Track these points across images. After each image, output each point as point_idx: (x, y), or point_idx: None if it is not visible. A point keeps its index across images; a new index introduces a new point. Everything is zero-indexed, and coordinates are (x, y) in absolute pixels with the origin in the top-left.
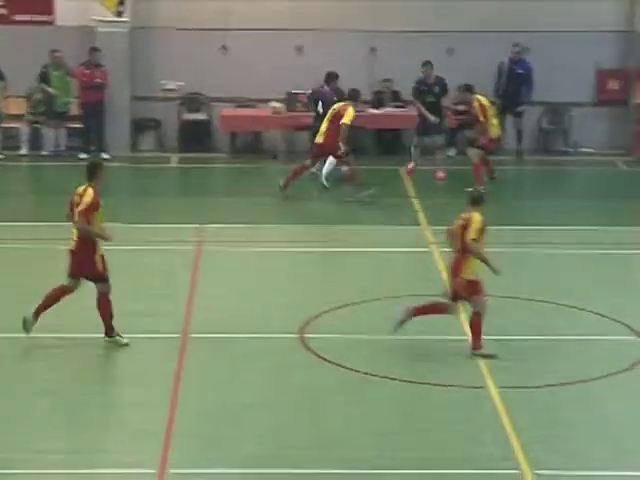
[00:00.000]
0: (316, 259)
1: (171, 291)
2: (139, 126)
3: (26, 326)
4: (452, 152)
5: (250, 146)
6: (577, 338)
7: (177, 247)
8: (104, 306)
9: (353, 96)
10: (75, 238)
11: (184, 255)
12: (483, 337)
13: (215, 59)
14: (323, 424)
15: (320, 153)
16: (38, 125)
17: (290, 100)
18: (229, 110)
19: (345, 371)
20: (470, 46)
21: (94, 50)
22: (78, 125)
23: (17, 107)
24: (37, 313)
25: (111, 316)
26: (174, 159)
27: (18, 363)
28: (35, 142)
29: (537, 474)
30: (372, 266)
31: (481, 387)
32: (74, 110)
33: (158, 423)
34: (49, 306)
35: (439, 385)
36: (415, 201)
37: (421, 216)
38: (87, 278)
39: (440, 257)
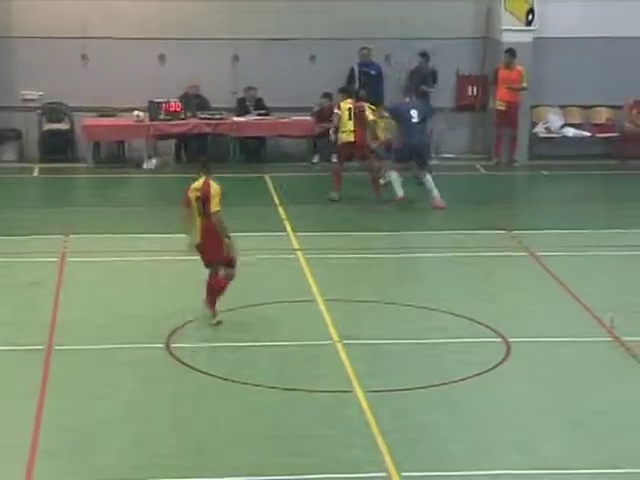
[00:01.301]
0: (185, 268)
1: (34, 302)
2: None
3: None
4: (316, 159)
5: (114, 155)
6: (442, 341)
7: (40, 259)
8: (219, 286)
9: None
10: (203, 230)
11: (47, 266)
12: None
13: (75, 68)
14: (189, 432)
15: (352, 152)
16: None
17: (152, 109)
18: (91, 120)
19: (211, 379)
20: (330, 53)
21: None
22: None
23: None
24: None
25: (218, 296)
26: (36, 170)
27: None
28: None
29: (403, 476)
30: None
31: (347, 391)
32: None
33: (21, 437)
34: (216, 297)
35: (305, 390)
36: (280, 209)
37: (287, 224)
38: (218, 264)
39: (306, 263)
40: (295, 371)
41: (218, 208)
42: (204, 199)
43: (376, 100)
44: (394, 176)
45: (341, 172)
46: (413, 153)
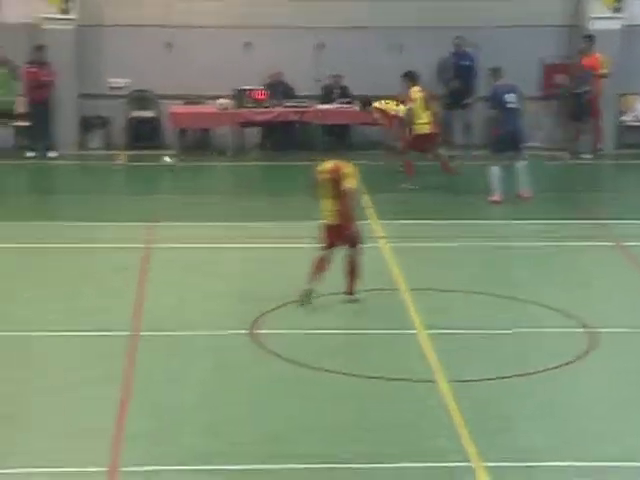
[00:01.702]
0: (267, 255)
1: (120, 289)
2: (87, 124)
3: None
4: None
5: (199, 143)
6: (527, 331)
7: (127, 245)
8: (355, 266)
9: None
10: (333, 211)
11: (134, 253)
12: None
13: (162, 56)
14: (270, 419)
15: (426, 144)
16: None
17: (238, 96)
18: (177, 107)
19: (294, 366)
20: (418, 41)
21: (39, 48)
22: (25, 123)
23: None
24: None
25: (356, 276)
26: (122, 157)
27: None
28: None
29: (487, 466)
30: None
31: (430, 381)
32: (21, 108)
33: (107, 420)
34: (319, 275)
35: (388, 379)
36: (365, 196)
37: (370, 211)
38: (343, 244)
39: (389, 251)
40: (379, 360)
41: (353, 186)
42: (335, 179)
43: (468, 91)
44: (495, 171)
45: (412, 161)
46: (511, 141)
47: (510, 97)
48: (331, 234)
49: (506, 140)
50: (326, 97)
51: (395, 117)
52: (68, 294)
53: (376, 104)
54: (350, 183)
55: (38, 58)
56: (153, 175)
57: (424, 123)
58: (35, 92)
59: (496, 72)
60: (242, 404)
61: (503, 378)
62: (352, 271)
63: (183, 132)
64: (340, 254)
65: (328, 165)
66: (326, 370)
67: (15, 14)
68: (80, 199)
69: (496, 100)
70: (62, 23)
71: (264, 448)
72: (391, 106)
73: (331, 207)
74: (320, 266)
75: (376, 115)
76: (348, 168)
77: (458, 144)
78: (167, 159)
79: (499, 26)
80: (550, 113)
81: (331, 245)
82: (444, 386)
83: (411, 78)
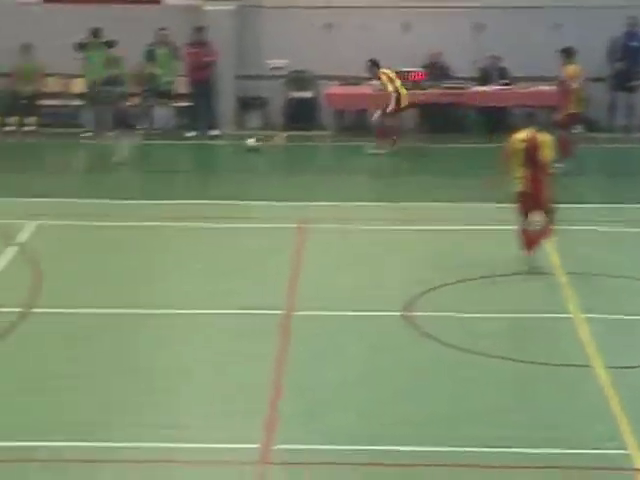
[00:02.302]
0: (420, 237)
1: (275, 268)
2: (245, 104)
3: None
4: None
5: (355, 124)
6: None
7: (282, 225)
8: (543, 233)
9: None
10: (529, 179)
11: (288, 233)
12: None
13: (320, 37)
14: (428, 402)
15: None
16: (147, 104)
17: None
18: (335, 88)
19: (447, 348)
20: (578, 21)
21: (200, 29)
22: (185, 104)
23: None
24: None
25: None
26: (281, 138)
27: (120, 338)
28: (145, 120)
29: None
30: (474, 244)
31: (587, 366)
32: (181, 89)
33: (262, 399)
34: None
35: (544, 364)
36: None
37: None
38: (538, 211)
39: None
40: (534, 344)
41: (550, 156)
42: (531, 148)
43: (631, 73)
44: None
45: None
46: None
47: None
48: (525, 202)
49: None
50: (484, 79)
51: (389, 95)
52: (225, 272)
53: (385, 70)
54: (547, 153)
55: (199, 39)
56: (309, 155)
57: (582, 100)
58: (196, 72)
59: None
60: (395, 386)
61: None
62: (538, 237)
63: (340, 113)
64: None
65: (524, 134)
66: (482, 353)
67: None
68: (238, 178)
69: None
70: (222, 4)
71: (414, 430)
72: (394, 83)
73: (524, 175)
74: (527, 237)
75: (382, 78)
76: (545, 138)
77: (619, 125)
78: (251, 141)
79: None
80: None
81: (526, 213)
82: (601, 372)
83: (568, 54)
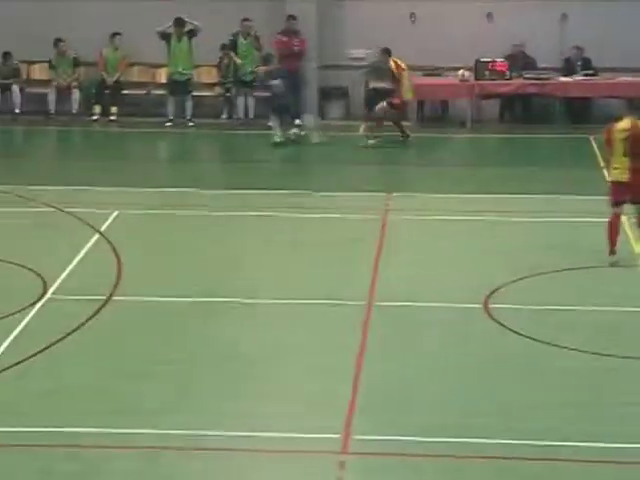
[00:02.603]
0: (501, 228)
1: (357, 259)
2: (326, 94)
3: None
4: None
5: (437, 115)
6: None
7: (363, 215)
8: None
9: None
10: (631, 169)
11: (370, 223)
12: None
13: (403, 27)
14: (507, 394)
15: None
16: (229, 94)
17: (478, 68)
18: (417, 78)
19: (527, 341)
20: None
21: (291, 18)
22: (267, 94)
23: (208, 75)
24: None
25: None
26: (361, 127)
27: (203, 326)
28: (229, 110)
29: None
30: (555, 235)
31: None
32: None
33: (341, 389)
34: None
35: (623, 357)
36: (605, 172)
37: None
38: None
39: (630, 227)
40: (614, 338)
41: None
42: (634, 139)
43: None
44: None
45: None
46: None
47: None
48: (621, 191)
49: None
50: (568, 69)
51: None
52: (307, 262)
53: (396, 59)
54: None
55: (289, 28)
56: (391, 146)
57: None
58: (286, 61)
59: None
60: (474, 378)
61: None
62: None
63: (421, 103)
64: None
65: (625, 123)
66: (561, 346)
67: None
68: (320, 169)
69: None
70: None
71: (493, 422)
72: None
73: (624, 164)
74: (614, 228)
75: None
76: None
77: None
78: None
79: None
80: None
81: (620, 202)
82: None
83: None
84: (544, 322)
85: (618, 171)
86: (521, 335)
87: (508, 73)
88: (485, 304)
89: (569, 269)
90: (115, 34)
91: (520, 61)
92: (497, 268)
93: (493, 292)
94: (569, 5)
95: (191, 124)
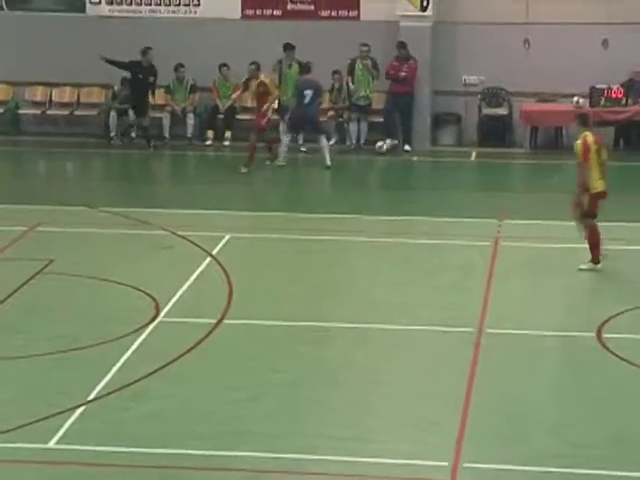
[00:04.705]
0: (615, 256)
1: (468, 285)
2: (439, 120)
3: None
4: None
5: (551, 142)
6: None
7: (475, 242)
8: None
9: None
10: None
11: (482, 249)
12: None
13: (517, 53)
14: (621, 424)
15: None
16: (341, 119)
17: (593, 95)
18: (529, 105)
19: None
20: None
21: (401, 44)
22: (379, 119)
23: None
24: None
25: None
26: (473, 154)
27: (311, 350)
28: (340, 134)
29: None
30: None
31: None
32: (378, 104)
33: (450, 416)
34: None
35: None
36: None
37: None
38: None
39: None
40: None
41: None
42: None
43: None
44: None
45: None
46: None
47: None
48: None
49: None
50: None
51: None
52: (415, 288)
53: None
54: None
55: (401, 54)
56: (502, 172)
57: None
58: (393, 85)
59: None
60: (588, 408)
61: None
62: None
63: (534, 130)
64: None
65: (590, 137)
66: None
67: (374, 13)
68: (430, 194)
69: None
70: (419, 20)
71: (607, 453)
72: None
73: (603, 173)
74: (597, 238)
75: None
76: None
77: None
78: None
79: None
80: None
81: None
82: None
83: None
84: None
85: (602, 181)
86: (636, 366)
87: (624, 100)
88: (598, 333)
89: None
90: (222, 65)
91: (636, 87)
92: (611, 296)
93: (606, 321)
94: None
95: (303, 149)
